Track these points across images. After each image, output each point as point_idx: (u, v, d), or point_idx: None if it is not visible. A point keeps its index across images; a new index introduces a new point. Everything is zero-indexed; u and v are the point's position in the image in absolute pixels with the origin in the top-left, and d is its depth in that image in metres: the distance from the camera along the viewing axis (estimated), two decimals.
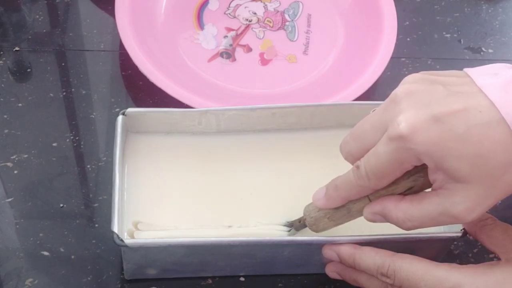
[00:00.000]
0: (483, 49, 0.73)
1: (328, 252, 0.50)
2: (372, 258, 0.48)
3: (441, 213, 0.43)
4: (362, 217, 0.48)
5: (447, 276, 0.46)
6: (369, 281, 0.49)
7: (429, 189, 0.45)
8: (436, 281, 0.46)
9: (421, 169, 0.44)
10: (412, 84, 0.43)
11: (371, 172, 0.44)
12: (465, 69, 0.44)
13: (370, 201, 0.47)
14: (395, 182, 0.45)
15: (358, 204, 0.47)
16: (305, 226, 0.51)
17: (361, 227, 0.53)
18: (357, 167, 0.45)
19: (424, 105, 0.41)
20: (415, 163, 0.43)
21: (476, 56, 0.72)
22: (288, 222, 0.53)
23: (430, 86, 0.43)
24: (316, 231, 0.50)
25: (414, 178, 0.45)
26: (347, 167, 0.57)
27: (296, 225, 0.52)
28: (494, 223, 0.49)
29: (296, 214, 0.54)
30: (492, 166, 0.41)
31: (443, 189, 0.43)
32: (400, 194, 0.46)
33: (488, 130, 0.40)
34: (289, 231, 0.52)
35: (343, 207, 0.48)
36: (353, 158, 0.46)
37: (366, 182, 0.44)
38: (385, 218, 0.46)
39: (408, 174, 0.44)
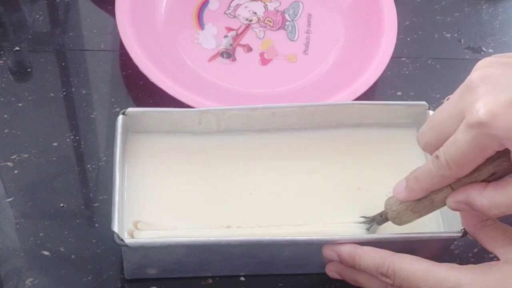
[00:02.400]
0: (483, 48, 0.73)
1: (328, 252, 0.50)
2: (372, 258, 0.48)
3: None
4: None
5: (446, 276, 0.46)
6: (369, 281, 0.49)
7: None
8: (435, 281, 0.46)
9: (503, 154, 0.43)
10: (486, 68, 0.43)
11: (452, 161, 0.43)
12: None
13: (453, 190, 0.46)
14: (477, 169, 0.44)
15: (440, 194, 0.46)
16: (387, 220, 0.50)
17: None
18: (437, 156, 0.44)
19: (502, 89, 0.41)
20: (497, 149, 0.42)
21: (476, 55, 0.72)
22: (365, 217, 0.53)
23: (505, 69, 0.42)
24: (400, 224, 0.50)
25: (497, 164, 0.44)
26: (347, 167, 0.57)
27: (378, 220, 0.51)
28: (494, 223, 0.49)
29: (296, 214, 0.54)
30: None
31: None
32: (483, 181, 0.45)
33: None
34: (369, 226, 0.52)
35: (425, 198, 0.47)
36: (431, 148, 0.45)
37: (447, 172, 0.44)
38: (469, 206, 0.45)
39: (490, 160, 0.44)
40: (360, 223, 0.53)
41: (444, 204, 0.47)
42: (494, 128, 0.40)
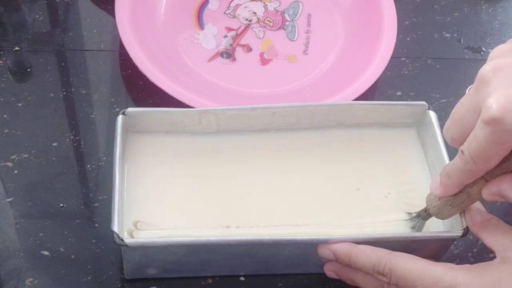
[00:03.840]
0: (483, 48, 0.73)
1: (324, 251, 0.50)
2: (368, 256, 0.48)
3: None
4: None
5: (443, 275, 0.46)
6: (365, 280, 0.49)
7: None
8: (432, 280, 0.46)
9: None
10: (499, 59, 0.42)
11: (475, 155, 0.43)
12: None
13: (486, 181, 0.46)
14: (505, 159, 0.44)
15: (476, 187, 0.46)
16: (430, 215, 0.51)
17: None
18: (462, 152, 0.44)
19: None
20: None
21: (476, 55, 0.72)
22: (410, 213, 0.53)
23: None
24: (443, 218, 0.50)
25: None
26: (347, 167, 0.57)
27: (423, 215, 0.51)
28: (498, 223, 0.49)
29: (296, 213, 0.54)
30: None
31: None
32: None
33: None
34: (416, 223, 0.52)
35: (462, 193, 0.47)
36: (457, 142, 0.45)
37: (474, 166, 0.44)
38: (504, 198, 0.45)
39: None
40: (406, 220, 0.53)
41: (481, 196, 0.47)
42: (509, 123, 0.40)
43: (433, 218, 0.51)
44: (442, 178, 0.47)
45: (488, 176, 0.45)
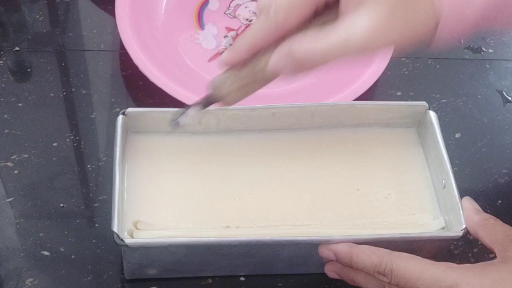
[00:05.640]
0: (483, 49, 0.72)
1: (324, 252, 0.50)
2: (369, 256, 0.48)
3: (346, 39, 0.40)
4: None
5: (443, 275, 0.46)
6: (366, 280, 0.49)
7: None
8: (432, 280, 0.46)
9: (330, 11, 0.42)
10: None
11: (281, 6, 0.42)
12: None
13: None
14: (303, 25, 0.43)
15: (264, 58, 0.44)
16: (210, 100, 0.47)
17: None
18: (263, 8, 0.43)
19: None
20: None
21: (476, 56, 0.72)
22: (189, 105, 0.48)
23: None
24: (221, 98, 0.46)
25: (324, 19, 0.43)
26: (347, 167, 0.57)
27: (204, 102, 0.47)
28: (496, 222, 0.50)
29: (296, 213, 0.54)
30: None
31: (349, 13, 0.40)
32: None
33: None
34: (192, 110, 0.48)
35: (248, 66, 0.45)
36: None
37: (273, 18, 0.42)
38: (291, 56, 0.42)
39: (316, 15, 0.43)
40: (178, 112, 0.48)
41: (264, 75, 0.45)
42: None
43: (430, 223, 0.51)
44: (236, 41, 0.45)
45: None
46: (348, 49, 0.40)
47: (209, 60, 0.69)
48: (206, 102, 0.47)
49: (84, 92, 0.65)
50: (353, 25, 0.40)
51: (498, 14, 0.41)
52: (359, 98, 0.63)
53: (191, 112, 0.48)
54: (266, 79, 0.45)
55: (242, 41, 0.44)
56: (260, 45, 0.44)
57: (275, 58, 0.43)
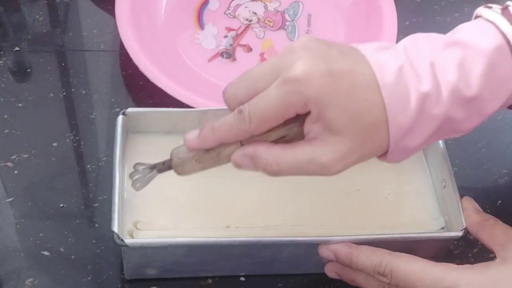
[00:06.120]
0: None
1: (324, 252, 0.50)
2: (369, 257, 0.48)
3: (311, 160, 0.45)
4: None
5: (443, 276, 0.46)
6: (366, 281, 0.49)
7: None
8: (432, 280, 0.46)
9: (297, 120, 0.45)
10: (309, 40, 0.45)
11: (256, 115, 0.45)
12: (352, 44, 0.47)
13: (242, 145, 0.47)
14: (270, 129, 0.46)
15: (229, 149, 0.47)
16: (169, 168, 0.49)
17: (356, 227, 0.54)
18: (240, 111, 0.45)
19: (320, 58, 0.44)
20: (301, 110, 0.44)
21: None
22: (144, 164, 0.50)
23: (325, 46, 0.45)
24: (181, 173, 0.49)
25: (289, 127, 0.46)
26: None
27: (160, 167, 0.50)
28: (496, 223, 0.50)
29: (296, 213, 0.54)
30: (365, 123, 0.44)
31: (316, 139, 0.45)
32: (271, 142, 0.46)
33: (367, 92, 0.44)
34: (150, 172, 0.50)
35: (214, 150, 0.47)
36: (236, 101, 0.46)
37: (247, 126, 0.45)
38: (253, 161, 0.46)
39: (284, 123, 0.45)
40: (138, 170, 0.50)
41: (229, 160, 0.47)
42: (306, 87, 0.43)
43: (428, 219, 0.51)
44: (204, 131, 0.47)
45: (246, 142, 0.46)
46: (310, 169, 0.45)
47: (209, 60, 0.69)
48: (164, 168, 0.50)
49: (84, 92, 0.65)
50: (319, 151, 0.44)
51: (445, 133, 0.46)
52: None
53: (151, 175, 0.50)
54: (228, 163, 0.48)
55: (211, 135, 0.47)
56: (228, 141, 0.47)
57: (240, 156, 0.47)
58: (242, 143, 0.47)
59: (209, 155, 0.48)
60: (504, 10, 0.46)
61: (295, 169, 0.46)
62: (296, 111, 0.44)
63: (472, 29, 0.47)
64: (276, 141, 0.46)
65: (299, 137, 0.46)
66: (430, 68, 0.44)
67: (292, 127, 0.46)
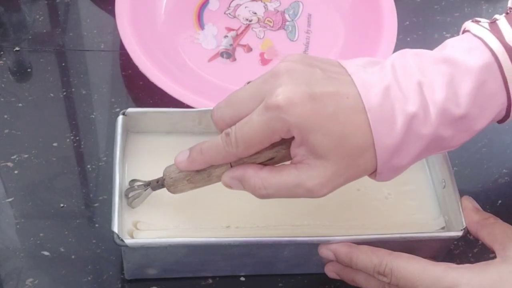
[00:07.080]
0: None
1: (324, 252, 0.50)
2: (369, 257, 0.48)
3: (297, 184, 0.45)
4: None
5: (443, 275, 0.46)
6: (366, 280, 0.50)
7: (288, 162, 0.47)
8: (432, 280, 0.46)
9: (284, 142, 0.46)
10: (293, 62, 0.45)
11: (242, 139, 0.45)
12: (339, 60, 0.47)
13: (231, 166, 0.48)
14: (258, 152, 0.46)
15: (219, 170, 0.48)
16: (162, 186, 0.51)
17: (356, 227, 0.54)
18: (227, 134, 0.46)
19: (303, 82, 0.44)
20: (285, 135, 0.45)
21: None
22: (140, 181, 0.52)
23: (309, 67, 0.45)
24: (174, 192, 0.51)
25: (277, 150, 0.47)
26: None
27: (154, 185, 0.51)
28: (495, 221, 0.50)
29: (296, 213, 0.54)
30: (350, 147, 0.44)
31: (302, 163, 0.45)
32: (260, 163, 0.47)
33: (352, 115, 0.44)
34: (144, 189, 0.52)
35: (204, 171, 0.49)
36: (224, 124, 0.47)
37: (234, 149, 0.46)
38: (242, 183, 0.47)
39: (272, 145, 0.46)
40: (133, 186, 0.52)
41: (219, 180, 0.48)
42: (288, 114, 0.43)
43: (426, 219, 0.51)
44: (193, 153, 0.48)
45: (235, 163, 0.47)
46: (297, 193, 0.46)
47: (209, 60, 0.69)
48: (158, 186, 0.51)
49: (84, 92, 0.65)
50: (304, 175, 0.45)
51: (434, 150, 0.47)
52: None
53: (146, 192, 0.52)
54: (219, 182, 0.49)
55: (200, 158, 0.48)
56: (217, 163, 0.48)
57: (229, 179, 0.48)
58: (231, 164, 0.48)
59: (200, 176, 0.49)
60: (492, 24, 0.46)
61: (282, 193, 0.46)
62: (280, 136, 0.45)
63: (460, 45, 0.46)
64: (265, 163, 0.47)
65: (288, 158, 0.47)
66: (418, 87, 0.44)
67: (279, 149, 0.46)
